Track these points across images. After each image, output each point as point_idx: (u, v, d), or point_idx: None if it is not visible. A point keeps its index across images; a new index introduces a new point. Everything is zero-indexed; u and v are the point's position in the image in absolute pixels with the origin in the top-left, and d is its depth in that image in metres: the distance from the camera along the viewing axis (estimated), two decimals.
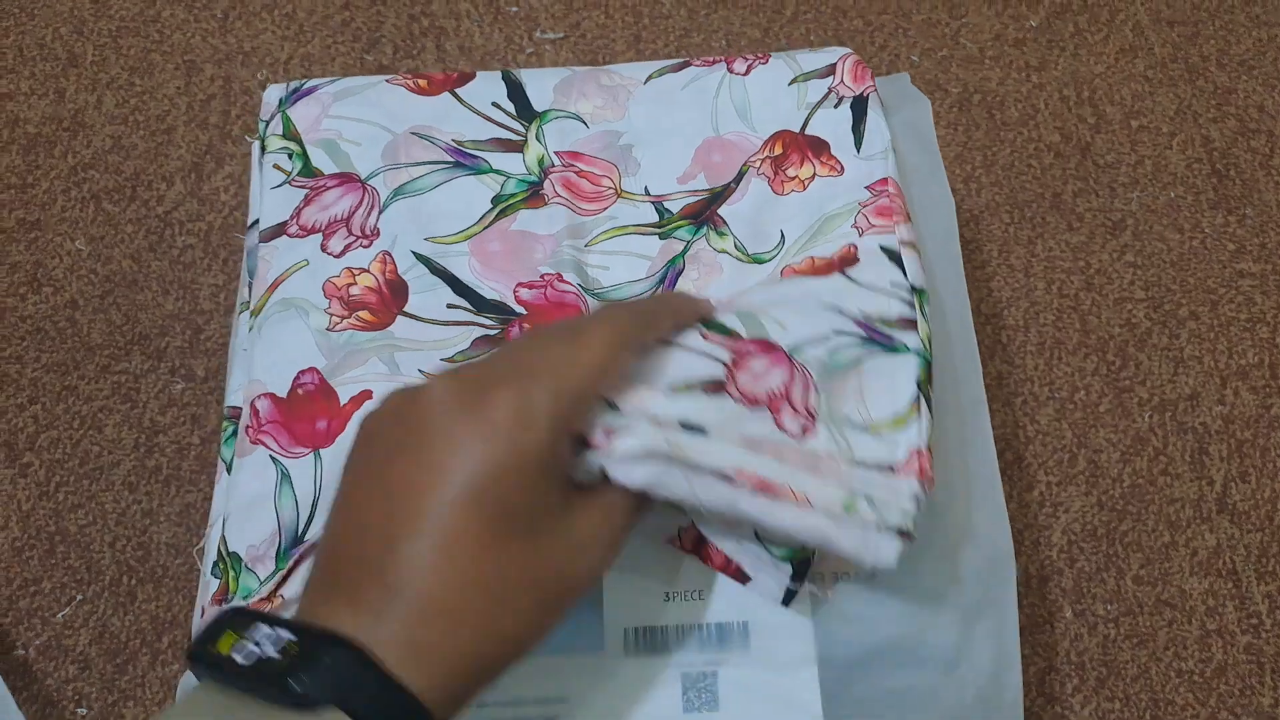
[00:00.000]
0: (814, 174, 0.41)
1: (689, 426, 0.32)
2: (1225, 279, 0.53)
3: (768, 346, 0.35)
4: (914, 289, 0.37)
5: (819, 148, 0.42)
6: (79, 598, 0.45)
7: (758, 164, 0.41)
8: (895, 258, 0.38)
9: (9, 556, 0.46)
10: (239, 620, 0.26)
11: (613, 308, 0.35)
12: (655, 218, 0.41)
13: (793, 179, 0.41)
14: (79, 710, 0.43)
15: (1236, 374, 0.50)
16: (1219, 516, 0.47)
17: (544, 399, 0.28)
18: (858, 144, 0.41)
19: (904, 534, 0.32)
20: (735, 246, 0.40)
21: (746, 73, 0.43)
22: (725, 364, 0.33)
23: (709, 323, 0.35)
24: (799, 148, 0.42)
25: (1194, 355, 0.51)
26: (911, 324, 0.36)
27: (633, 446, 0.30)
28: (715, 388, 0.33)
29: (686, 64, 0.44)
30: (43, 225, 0.52)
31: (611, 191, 0.42)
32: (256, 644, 0.25)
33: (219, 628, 0.26)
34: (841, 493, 0.32)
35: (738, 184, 0.41)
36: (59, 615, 0.45)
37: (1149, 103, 0.57)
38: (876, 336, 0.36)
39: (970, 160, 0.55)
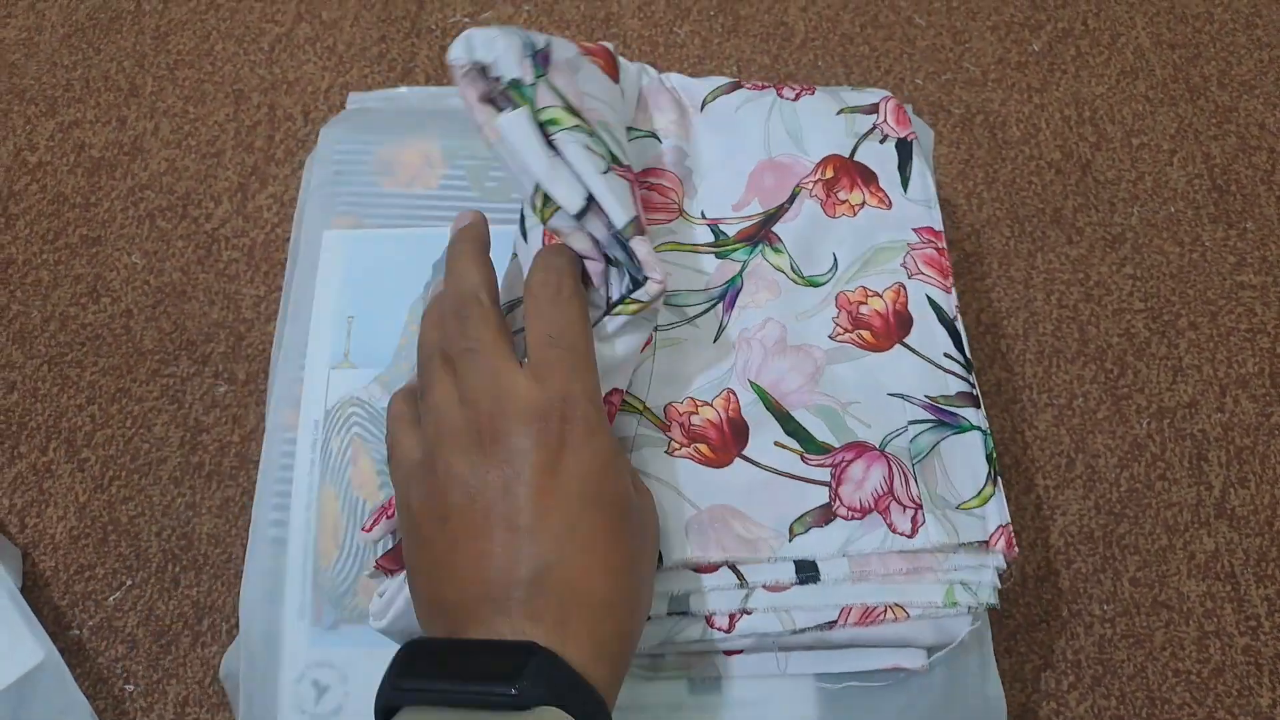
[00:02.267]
0: (863, 202, 0.42)
1: (802, 568, 0.35)
2: (1225, 290, 0.53)
3: (860, 448, 0.37)
4: (968, 361, 0.39)
5: (868, 177, 0.43)
6: (128, 583, 0.47)
7: (810, 185, 0.43)
8: (948, 324, 0.40)
9: (67, 544, 0.48)
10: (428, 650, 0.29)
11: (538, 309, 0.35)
12: (712, 238, 0.42)
13: (843, 203, 0.42)
14: (127, 686, 0.45)
15: (1236, 383, 0.51)
16: (1217, 521, 0.47)
17: (589, 406, 0.32)
18: (904, 184, 0.43)
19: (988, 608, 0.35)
20: (791, 267, 0.41)
21: (796, 98, 0.45)
22: (828, 484, 0.36)
23: (806, 441, 0.37)
24: (849, 173, 0.43)
25: (1193, 364, 0.51)
26: (970, 398, 0.38)
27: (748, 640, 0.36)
28: (824, 518, 0.36)
29: (738, 85, 0.45)
30: (103, 241, 0.55)
31: (676, 206, 0.43)
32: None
33: (411, 661, 0.29)
34: (941, 588, 0.35)
35: (790, 204, 0.42)
36: (110, 599, 0.47)
37: (1149, 121, 0.58)
38: (945, 418, 0.38)
39: (972, 177, 0.56)
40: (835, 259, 0.41)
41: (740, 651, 0.36)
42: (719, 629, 0.35)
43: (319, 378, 0.42)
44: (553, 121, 0.35)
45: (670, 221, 0.42)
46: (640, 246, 0.34)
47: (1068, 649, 0.45)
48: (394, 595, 0.35)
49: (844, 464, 0.37)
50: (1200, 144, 0.57)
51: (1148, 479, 0.48)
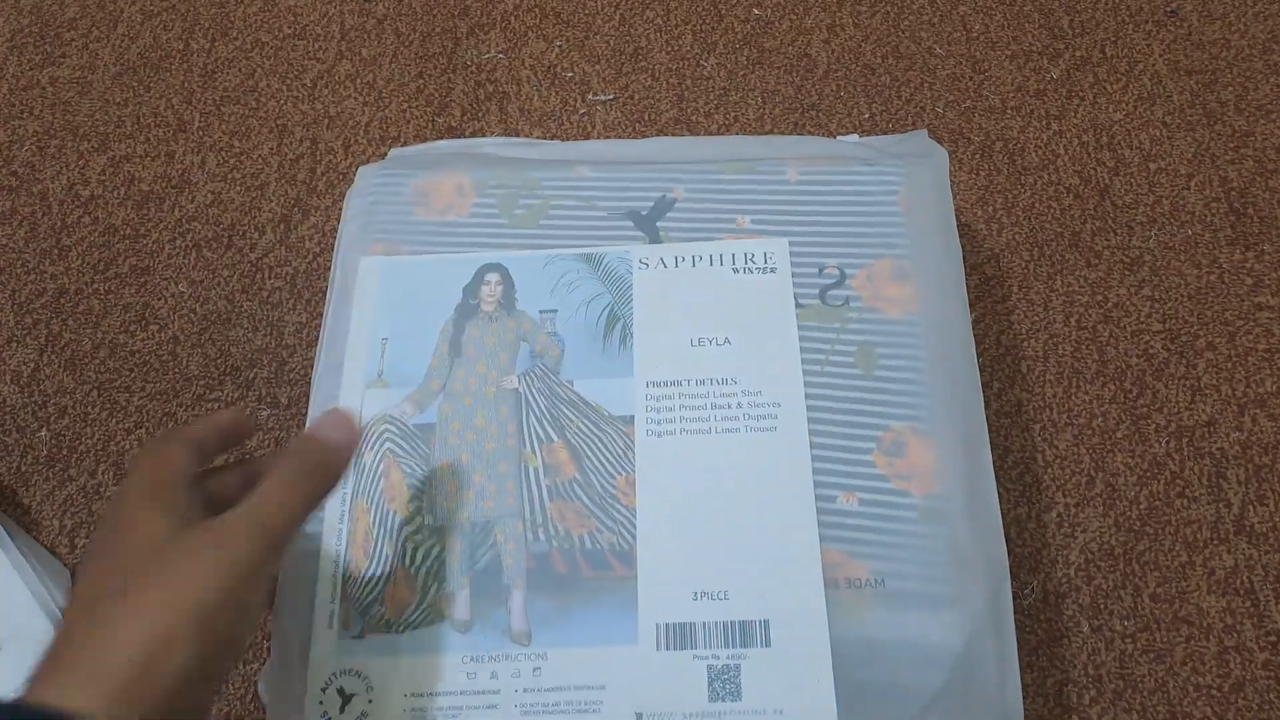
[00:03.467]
0: None
1: None
2: (1243, 311, 0.55)
3: None
4: None
5: None
6: None
7: None
8: None
9: None
10: None
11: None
12: None
13: None
14: None
15: (1255, 402, 0.52)
16: (1236, 538, 0.49)
17: None
18: None
19: None
20: None
21: None
22: None
23: None
24: None
25: (1211, 384, 0.53)
26: None
27: None
28: None
29: None
30: (151, 271, 0.59)
31: None
32: None
33: None
34: None
35: None
36: None
37: (1167, 146, 0.60)
38: None
39: (992, 203, 0.58)
40: None
41: None
42: None
43: (354, 397, 0.45)
44: None
45: None
46: None
47: (1089, 664, 0.46)
48: None
49: None
50: (1217, 168, 0.59)
51: (1167, 497, 0.50)
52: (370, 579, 0.41)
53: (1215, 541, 0.49)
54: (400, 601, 0.41)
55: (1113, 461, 0.51)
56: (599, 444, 0.42)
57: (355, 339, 0.46)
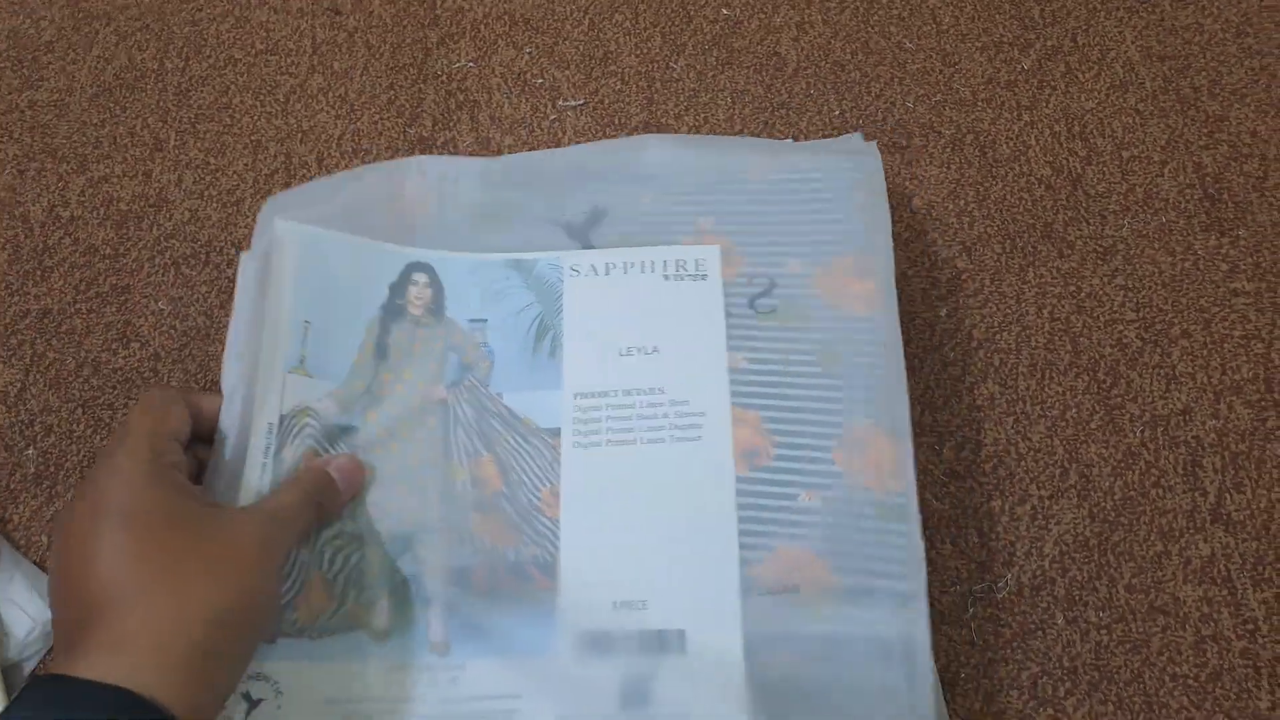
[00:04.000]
0: None
1: None
2: (1218, 298, 0.55)
3: None
4: None
5: None
6: None
7: None
8: None
9: None
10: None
11: None
12: None
13: None
14: None
15: (1230, 389, 0.52)
16: (1213, 526, 0.49)
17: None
18: None
19: None
20: None
21: None
22: None
23: None
24: None
25: (1186, 372, 0.53)
26: None
27: None
28: None
29: None
30: (131, 289, 0.60)
31: None
32: None
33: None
34: None
35: None
36: None
37: (1140, 134, 0.60)
38: None
39: (963, 196, 0.59)
40: None
41: None
42: None
43: (274, 380, 0.44)
44: None
45: None
46: None
47: (1064, 656, 0.47)
48: None
49: None
50: (1191, 154, 0.59)
51: (1142, 486, 0.50)
52: (284, 582, 0.41)
53: (1191, 530, 0.49)
54: (315, 607, 0.40)
55: (1087, 452, 0.51)
56: (525, 457, 0.43)
57: (275, 316, 0.44)
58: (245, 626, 0.33)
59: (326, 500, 0.39)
